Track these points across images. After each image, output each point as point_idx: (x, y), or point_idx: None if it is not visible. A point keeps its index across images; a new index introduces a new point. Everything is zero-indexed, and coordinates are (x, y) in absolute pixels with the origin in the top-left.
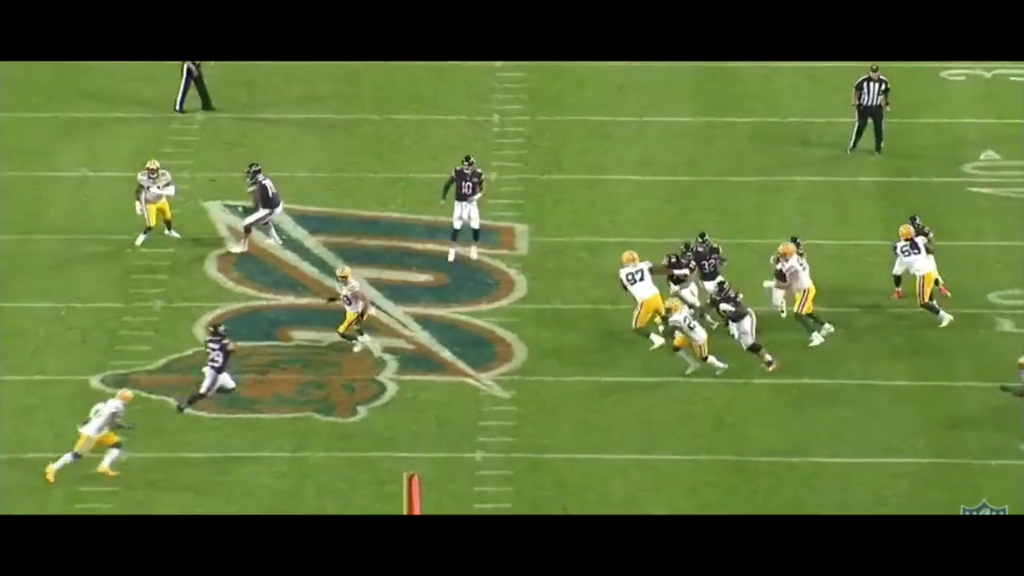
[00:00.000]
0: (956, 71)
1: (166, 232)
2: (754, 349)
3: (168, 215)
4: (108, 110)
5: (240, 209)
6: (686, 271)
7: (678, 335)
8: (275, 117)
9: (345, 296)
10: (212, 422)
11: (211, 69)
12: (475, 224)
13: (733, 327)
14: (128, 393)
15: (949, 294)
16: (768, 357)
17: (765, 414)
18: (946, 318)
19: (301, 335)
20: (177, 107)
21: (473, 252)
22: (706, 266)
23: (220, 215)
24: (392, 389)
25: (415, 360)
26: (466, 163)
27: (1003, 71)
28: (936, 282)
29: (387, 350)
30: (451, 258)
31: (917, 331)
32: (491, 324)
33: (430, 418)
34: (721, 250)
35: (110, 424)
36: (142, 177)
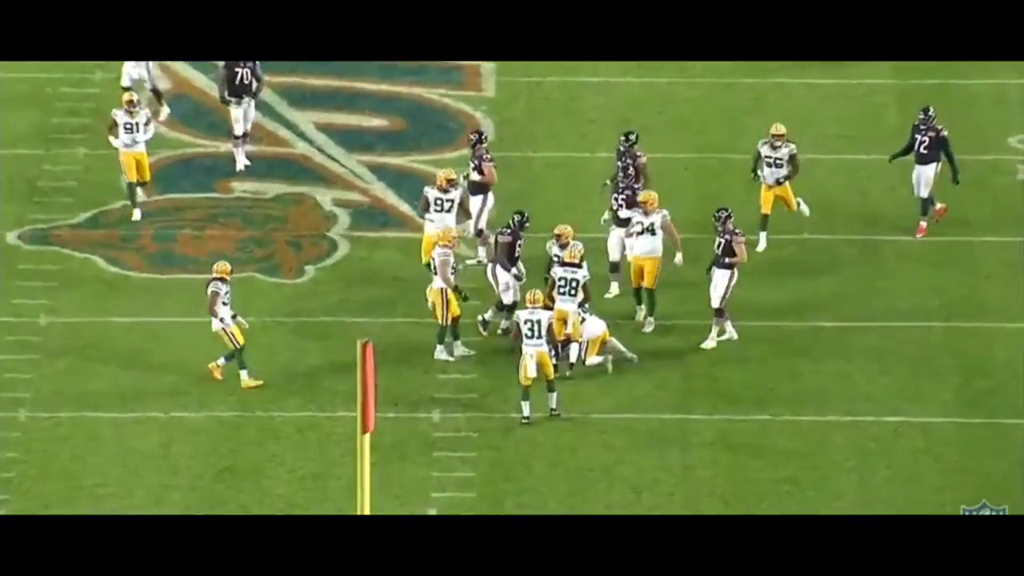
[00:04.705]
0: None
1: (138, 192)
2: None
3: (146, 172)
4: None
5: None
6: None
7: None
8: None
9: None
10: (144, 282)
11: None
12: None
13: None
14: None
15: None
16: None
17: None
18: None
19: (243, 186)
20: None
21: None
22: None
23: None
24: (344, 247)
25: (369, 214)
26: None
27: None
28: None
29: (338, 203)
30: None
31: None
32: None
33: (385, 278)
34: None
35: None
36: (117, 113)
